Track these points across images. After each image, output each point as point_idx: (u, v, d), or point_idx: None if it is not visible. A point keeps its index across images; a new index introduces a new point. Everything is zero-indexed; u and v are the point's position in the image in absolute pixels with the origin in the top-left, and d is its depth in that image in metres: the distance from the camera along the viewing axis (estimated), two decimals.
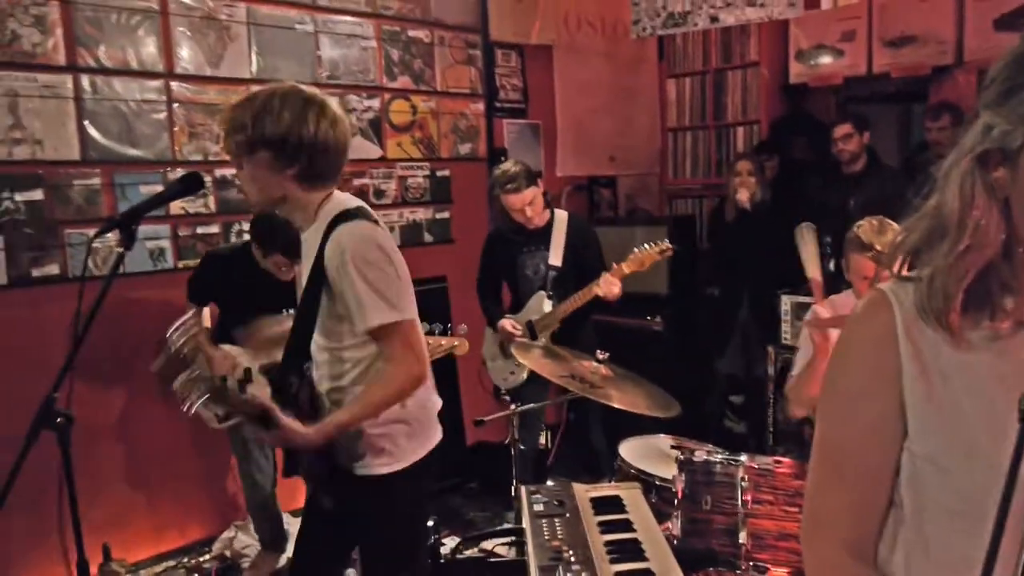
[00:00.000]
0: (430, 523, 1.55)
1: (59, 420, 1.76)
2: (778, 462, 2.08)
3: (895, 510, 1.05)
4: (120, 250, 1.83)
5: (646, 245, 3.31)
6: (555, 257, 3.43)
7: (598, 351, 2.80)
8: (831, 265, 3.90)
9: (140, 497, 3.47)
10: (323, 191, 1.89)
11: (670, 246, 3.30)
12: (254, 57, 3.68)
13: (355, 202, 1.94)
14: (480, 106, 4.69)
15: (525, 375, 3.41)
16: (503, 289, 3.72)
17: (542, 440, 3.63)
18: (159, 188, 3.39)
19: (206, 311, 3.28)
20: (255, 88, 1.90)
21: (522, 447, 3.46)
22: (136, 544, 3.42)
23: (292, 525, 3.73)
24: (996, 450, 0.85)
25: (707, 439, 2.74)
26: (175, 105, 3.44)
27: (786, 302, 3.92)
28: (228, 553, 3.58)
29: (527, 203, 3.33)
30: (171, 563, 3.53)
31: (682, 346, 4.71)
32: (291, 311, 2.13)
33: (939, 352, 0.96)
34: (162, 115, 3.41)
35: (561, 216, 3.50)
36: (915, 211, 1.02)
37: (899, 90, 4.82)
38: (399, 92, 4.31)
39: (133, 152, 3.33)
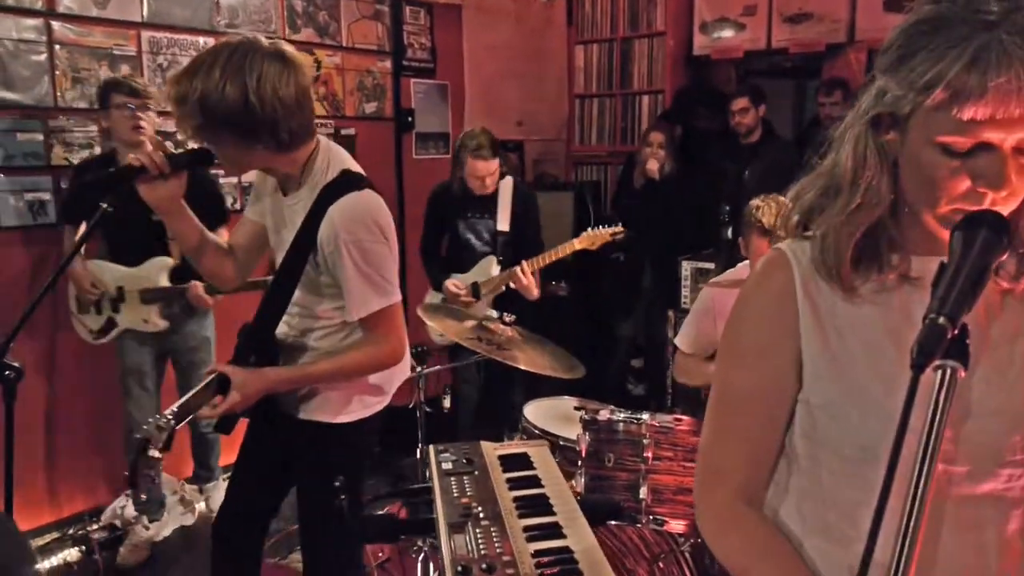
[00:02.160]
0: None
1: (8, 372, 1.71)
2: (678, 420, 2.15)
3: (787, 461, 1.10)
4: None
5: (599, 227, 3.39)
6: (503, 222, 3.47)
7: (504, 313, 2.81)
8: (728, 233, 4.05)
9: (25, 465, 3.27)
10: (304, 149, 1.76)
11: (623, 229, 3.38)
12: (145, 0, 3.45)
13: (342, 158, 1.82)
14: (387, 64, 4.57)
15: None
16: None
17: (446, 403, 3.65)
18: (39, 136, 3.17)
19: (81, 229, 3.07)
20: (194, 57, 1.67)
21: (463, 406, 3.57)
22: (21, 514, 3.24)
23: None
24: (889, 399, 0.91)
25: (609, 401, 2.80)
26: (56, 47, 3.20)
27: (686, 267, 4.04)
28: (118, 523, 3.44)
29: (490, 172, 3.36)
30: (56, 534, 3.36)
31: (586, 311, 4.79)
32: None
33: (834, 307, 1.01)
34: (42, 57, 3.16)
35: (507, 182, 3.51)
36: (811, 171, 1.07)
37: (795, 65, 5.01)
38: (303, 45, 4.14)
39: (9, 96, 3.08)
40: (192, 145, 1.76)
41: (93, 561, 3.24)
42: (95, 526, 3.43)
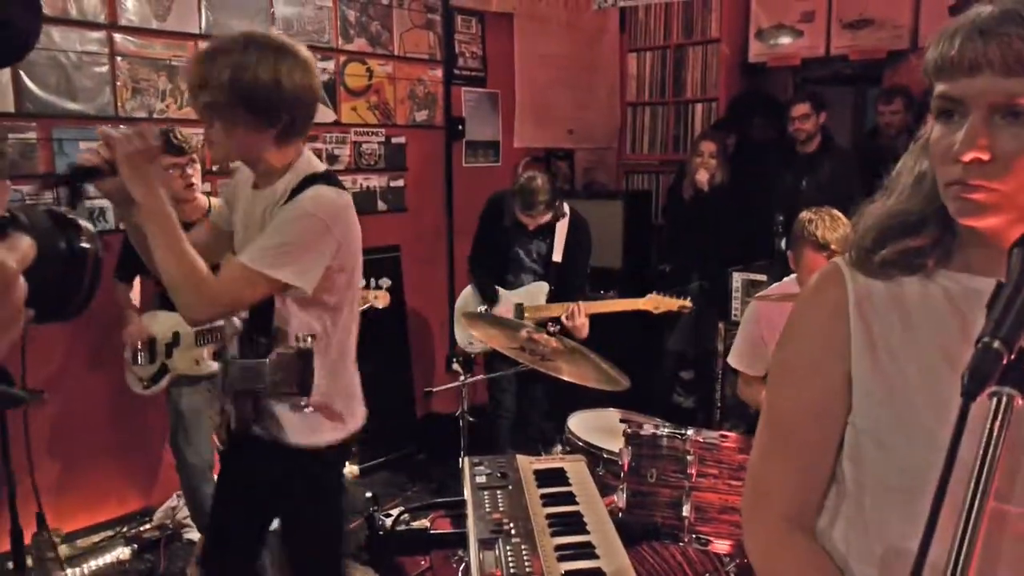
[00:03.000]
0: (368, 495, 1.52)
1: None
2: (724, 436, 2.10)
3: (836, 484, 1.05)
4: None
5: (667, 295, 3.36)
6: (557, 252, 3.45)
7: (549, 323, 2.78)
8: (782, 244, 3.94)
9: (77, 465, 3.37)
10: (297, 146, 1.81)
11: (690, 305, 3.34)
12: (203, 12, 3.54)
13: (321, 164, 1.87)
14: (438, 73, 4.60)
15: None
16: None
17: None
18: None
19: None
20: (217, 39, 1.75)
21: (501, 418, 3.52)
22: (72, 513, 3.33)
23: None
24: (938, 427, 0.86)
25: (656, 414, 2.75)
26: (118, 58, 3.30)
27: (737, 279, 3.96)
28: (170, 523, 3.51)
29: (538, 223, 3.37)
30: (109, 533, 3.44)
31: (633, 322, 4.72)
32: None
33: (890, 328, 0.97)
34: (104, 68, 3.27)
35: (564, 222, 3.48)
36: (872, 184, 1.04)
37: (855, 73, 4.87)
38: (355, 55, 4.20)
39: (72, 106, 3.19)
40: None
41: (145, 560, 3.31)
42: (147, 526, 3.50)
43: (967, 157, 0.84)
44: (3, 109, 3.01)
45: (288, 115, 1.71)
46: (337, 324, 1.85)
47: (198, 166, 2.96)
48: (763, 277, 3.78)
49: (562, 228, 3.46)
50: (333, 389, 1.86)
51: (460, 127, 4.70)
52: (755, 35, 4.89)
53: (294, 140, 1.79)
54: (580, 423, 2.70)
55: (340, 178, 1.90)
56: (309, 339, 1.75)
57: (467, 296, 3.65)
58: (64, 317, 0.68)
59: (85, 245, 0.66)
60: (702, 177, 4.14)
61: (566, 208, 3.49)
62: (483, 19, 4.81)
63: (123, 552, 3.36)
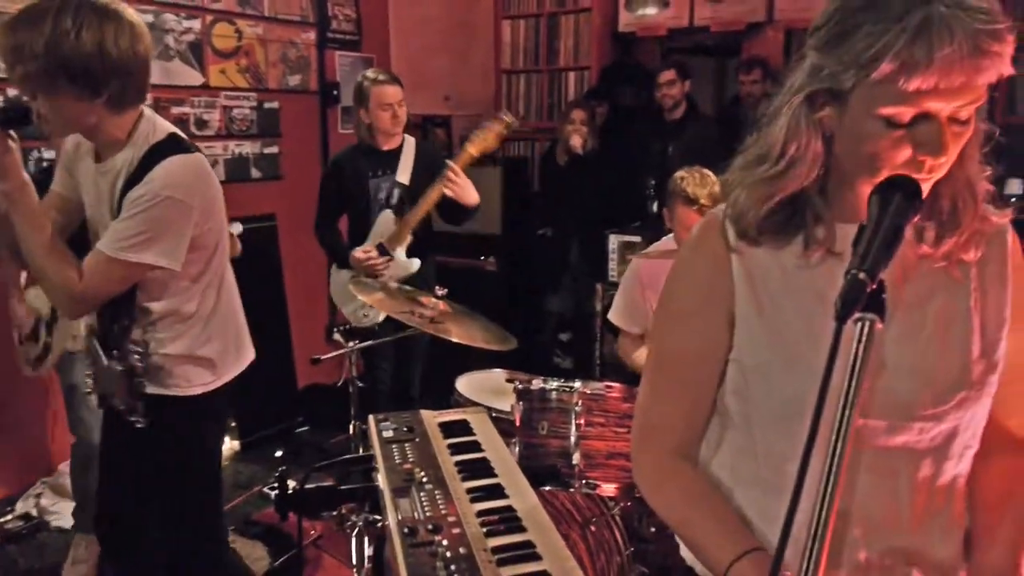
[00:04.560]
0: (278, 454, 1.52)
1: None
2: (609, 387, 2.21)
3: (718, 416, 1.16)
4: None
5: (485, 123, 3.20)
6: (403, 175, 3.30)
7: (436, 287, 2.82)
8: (654, 207, 4.14)
9: None
10: (134, 112, 1.73)
11: (513, 118, 3.22)
12: None
13: (168, 126, 1.79)
14: (311, 35, 4.48)
15: (383, 314, 3.29)
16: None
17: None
18: None
19: None
20: (29, 3, 1.61)
21: (379, 386, 3.45)
22: None
23: None
24: (815, 357, 0.96)
25: (537, 374, 2.85)
26: None
27: (614, 241, 4.12)
28: (35, 512, 3.33)
29: (398, 100, 3.22)
30: None
31: (514, 285, 4.84)
32: None
33: (768, 273, 1.07)
34: None
35: (410, 139, 3.39)
36: (737, 148, 1.12)
37: (716, 44, 5.12)
38: (222, 14, 4.02)
39: None
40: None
41: (6, 552, 3.12)
42: (9, 516, 3.30)
43: (941, 161, 0.92)
44: None
45: (118, 82, 1.63)
46: (202, 281, 1.84)
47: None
48: (637, 238, 3.96)
49: (408, 154, 3.33)
50: (208, 343, 1.86)
51: (335, 92, 4.61)
52: (624, 5, 5.04)
53: (129, 106, 1.71)
54: (468, 384, 2.77)
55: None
56: (135, 355, 1.75)
57: (335, 276, 3.50)
58: None
59: None
60: (576, 142, 4.26)
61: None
62: None
63: None
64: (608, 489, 2.12)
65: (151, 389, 1.82)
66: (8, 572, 3.02)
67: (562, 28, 5.24)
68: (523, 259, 4.83)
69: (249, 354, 2.05)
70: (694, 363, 1.14)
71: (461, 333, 2.62)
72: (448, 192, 3.11)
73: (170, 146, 1.73)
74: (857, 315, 0.82)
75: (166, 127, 1.79)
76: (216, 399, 1.92)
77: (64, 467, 3.26)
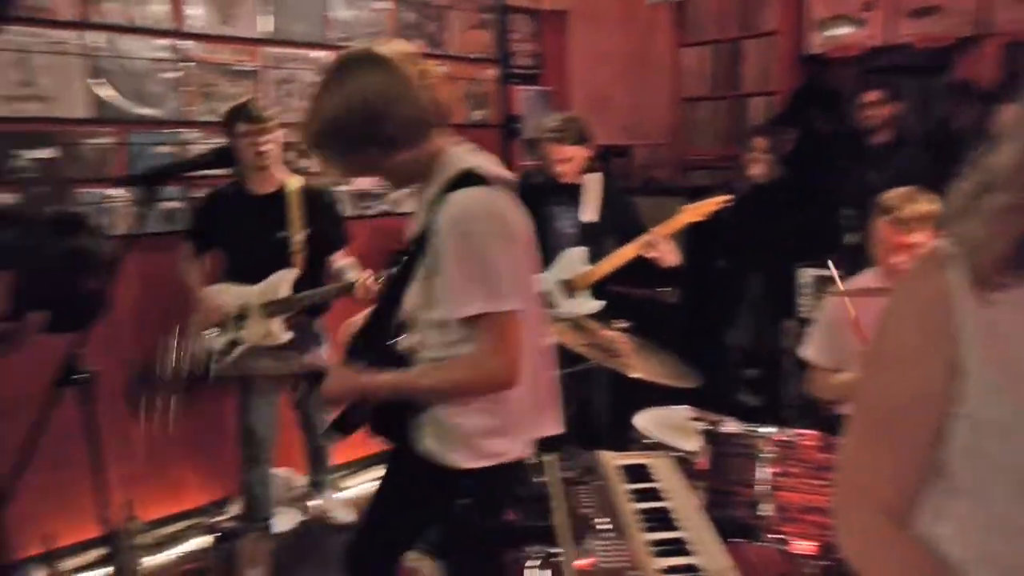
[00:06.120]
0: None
1: (79, 376, 1.74)
2: (802, 435, 2.05)
3: (942, 479, 1.01)
4: (140, 209, 1.76)
5: (699, 201, 3.19)
6: (589, 214, 3.28)
7: (614, 320, 2.76)
8: (852, 239, 3.85)
9: (160, 454, 3.44)
10: (420, 148, 1.67)
11: (729, 197, 3.20)
12: (266, 17, 3.60)
13: (470, 159, 1.71)
14: (494, 72, 4.60)
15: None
16: None
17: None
18: (170, 149, 3.34)
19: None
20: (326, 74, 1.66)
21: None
22: (155, 502, 3.41)
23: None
24: None
25: (721, 411, 2.70)
26: (186, 64, 3.37)
27: (806, 275, 3.87)
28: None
29: (564, 158, 3.21)
30: (190, 522, 3.52)
31: (693, 318, 4.66)
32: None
33: (1013, 318, 0.92)
34: (173, 74, 3.34)
35: (594, 177, 3.36)
36: (965, 175, 0.99)
37: (920, 63, 4.73)
38: None
39: (145, 111, 3.27)
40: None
41: (223, 549, 3.36)
42: (225, 516, 3.57)
43: None
44: (80, 115, 3.11)
45: (368, 134, 1.64)
46: None
47: (272, 137, 3.03)
48: (832, 272, 3.69)
49: (593, 191, 3.29)
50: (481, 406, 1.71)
51: (516, 125, 4.70)
52: (813, 26, 4.78)
53: (405, 145, 1.67)
54: (648, 421, 2.68)
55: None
56: None
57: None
58: (72, 327, 0.64)
59: (89, 246, 0.61)
60: (756, 171, 4.07)
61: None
62: (537, 17, 4.80)
63: (202, 541, 3.42)
64: (803, 546, 1.95)
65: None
66: (223, 570, 3.22)
67: (746, 53, 5.06)
68: (702, 291, 4.65)
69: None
70: (906, 414, 1.01)
71: (641, 367, 2.54)
72: (649, 255, 3.09)
73: (462, 181, 1.69)
74: None
75: (465, 161, 1.75)
76: None
77: (275, 471, 3.49)
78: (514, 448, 1.70)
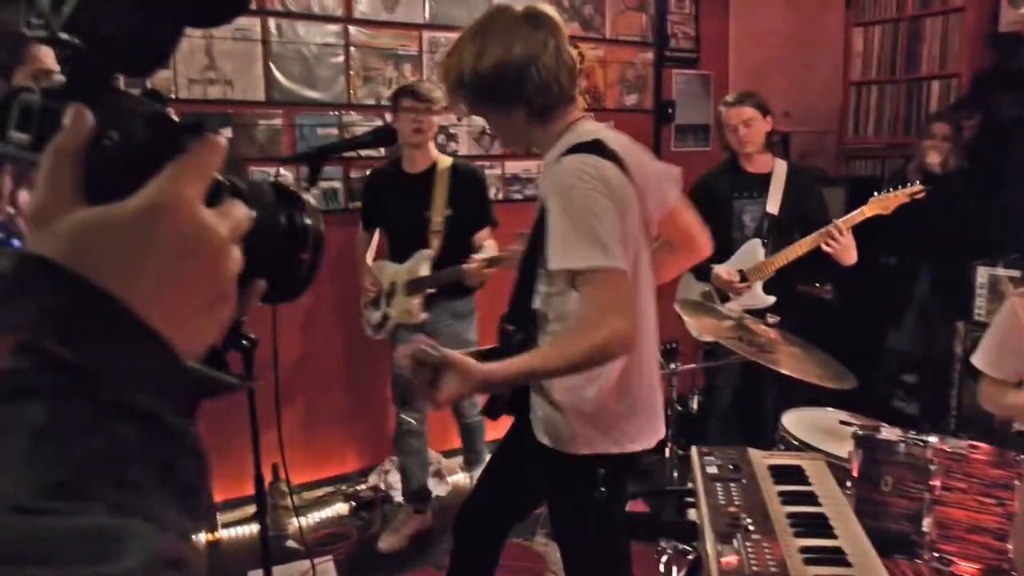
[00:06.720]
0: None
1: (244, 342, 1.86)
2: (973, 447, 1.89)
3: None
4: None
5: (890, 189, 3.05)
6: (773, 205, 3.22)
7: (767, 314, 2.65)
8: None
9: (307, 423, 3.66)
10: (563, 119, 1.69)
11: (923, 187, 3.04)
12: (428, 3, 3.70)
13: (593, 134, 1.67)
14: (649, 55, 4.51)
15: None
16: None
17: (694, 404, 3.49)
18: (334, 131, 3.52)
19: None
20: (474, 29, 1.67)
21: (714, 409, 3.35)
22: (299, 467, 3.63)
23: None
24: None
25: (873, 417, 2.53)
26: (352, 49, 3.53)
27: (983, 274, 3.55)
28: (382, 485, 3.74)
29: (742, 120, 3.16)
30: (330, 489, 3.73)
31: (851, 317, 4.40)
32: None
33: None
34: (339, 59, 3.51)
35: (781, 164, 3.29)
36: None
37: None
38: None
39: (312, 94, 3.46)
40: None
41: (361, 517, 3.55)
42: (363, 486, 3.76)
43: None
44: (255, 98, 3.33)
45: (519, 94, 1.64)
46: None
47: (434, 118, 3.11)
48: (1016, 272, 3.37)
49: (778, 181, 3.20)
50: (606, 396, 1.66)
51: (670, 110, 4.59)
52: (1008, 1, 4.35)
53: (551, 113, 1.70)
54: (795, 422, 2.56)
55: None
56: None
57: (685, 280, 3.41)
58: (285, 297, 0.67)
59: (307, 221, 0.63)
60: (933, 159, 3.75)
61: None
62: None
63: (342, 508, 3.63)
64: (967, 568, 1.80)
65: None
66: (360, 536, 3.40)
67: (926, 32, 4.68)
68: (864, 289, 4.37)
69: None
70: None
71: (792, 365, 2.42)
72: (827, 249, 2.98)
73: (577, 148, 1.66)
74: None
75: (592, 133, 1.73)
76: None
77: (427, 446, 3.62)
78: (643, 435, 1.66)
